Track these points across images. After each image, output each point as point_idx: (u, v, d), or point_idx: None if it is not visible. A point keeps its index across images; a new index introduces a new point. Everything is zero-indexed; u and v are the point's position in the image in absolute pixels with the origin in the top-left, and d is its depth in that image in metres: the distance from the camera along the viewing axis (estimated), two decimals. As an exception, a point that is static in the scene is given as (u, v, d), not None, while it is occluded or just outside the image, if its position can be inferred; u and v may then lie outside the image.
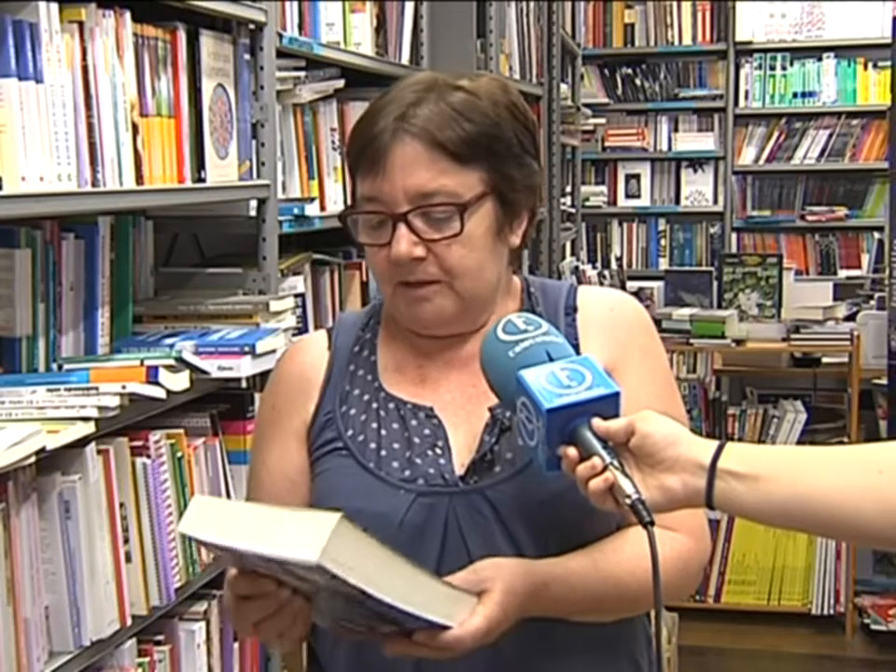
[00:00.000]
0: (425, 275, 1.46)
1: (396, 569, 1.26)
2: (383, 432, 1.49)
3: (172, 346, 2.14)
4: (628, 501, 1.23)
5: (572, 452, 1.27)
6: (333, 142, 2.94)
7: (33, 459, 1.65)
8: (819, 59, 6.89)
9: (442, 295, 1.47)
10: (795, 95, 6.95)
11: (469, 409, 1.50)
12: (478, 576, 1.35)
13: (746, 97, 7.00)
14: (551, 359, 1.31)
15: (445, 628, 1.29)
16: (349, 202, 1.56)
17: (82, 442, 1.81)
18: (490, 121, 1.46)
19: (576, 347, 1.49)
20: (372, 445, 1.49)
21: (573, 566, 1.41)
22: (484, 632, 1.32)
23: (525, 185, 1.50)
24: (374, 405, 1.52)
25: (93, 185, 1.89)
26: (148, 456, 2.01)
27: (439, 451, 1.47)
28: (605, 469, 1.26)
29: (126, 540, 1.96)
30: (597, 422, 1.27)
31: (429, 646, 1.30)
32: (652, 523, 1.23)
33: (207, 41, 2.27)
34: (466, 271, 1.46)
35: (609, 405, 1.29)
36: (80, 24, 1.87)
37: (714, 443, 1.28)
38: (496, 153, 1.46)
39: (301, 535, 1.20)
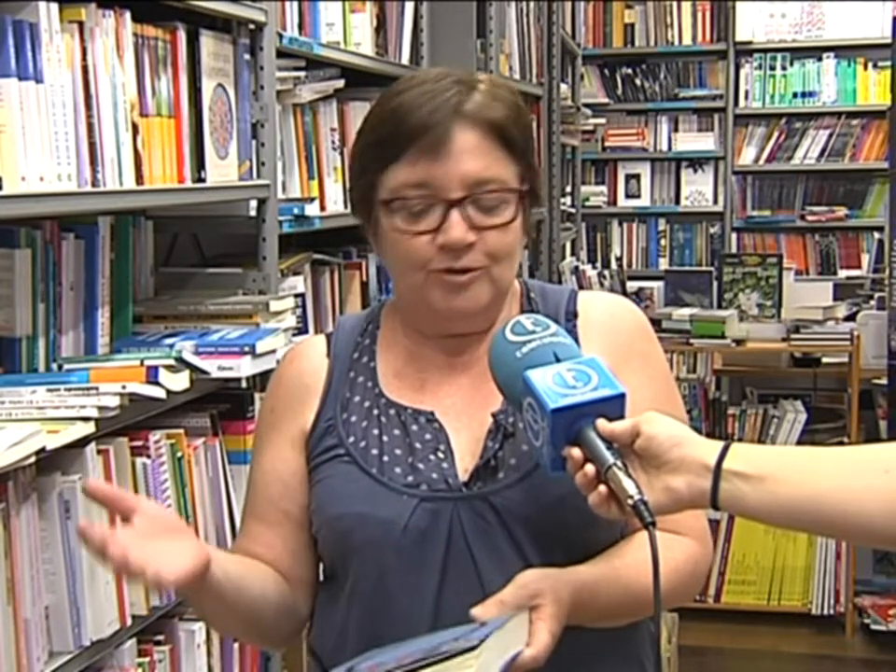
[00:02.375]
0: (471, 262, 1.46)
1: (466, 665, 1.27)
2: (384, 438, 1.49)
3: (172, 346, 2.14)
4: (630, 502, 1.23)
5: (577, 452, 1.27)
6: (333, 142, 2.94)
7: (33, 459, 1.65)
8: (819, 59, 6.89)
9: (481, 282, 1.47)
10: (795, 95, 6.95)
11: (471, 413, 1.49)
12: (528, 591, 1.34)
13: (746, 97, 7.00)
14: (558, 360, 1.31)
15: (518, 655, 1.29)
16: (365, 192, 1.51)
17: (82, 442, 1.81)
18: (524, 113, 1.52)
19: None
20: (374, 451, 1.48)
21: (599, 572, 1.41)
22: (551, 644, 1.32)
23: (539, 179, 1.55)
24: (375, 411, 1.51)
25: (93, 185, 1.89)
26: (148, 456, 2.01)
27: (441, 455, 1.47)
28: (601, 479, 1.26)
29: (126, 540, 1.95)
30: (602, 423, 1.28)
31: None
32: (654, 524, 1.23)
33: (207, 41, 2.27)
34: (506, 257, 1.48)
35: (614, 406, 1.29)
36: (80, 24, 1.87)
37: (719, 444, 1.28)
38: (528, 145, 1.51)
39: None
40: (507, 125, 1.47)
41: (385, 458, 1.47)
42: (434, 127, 1.43)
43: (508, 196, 1.47)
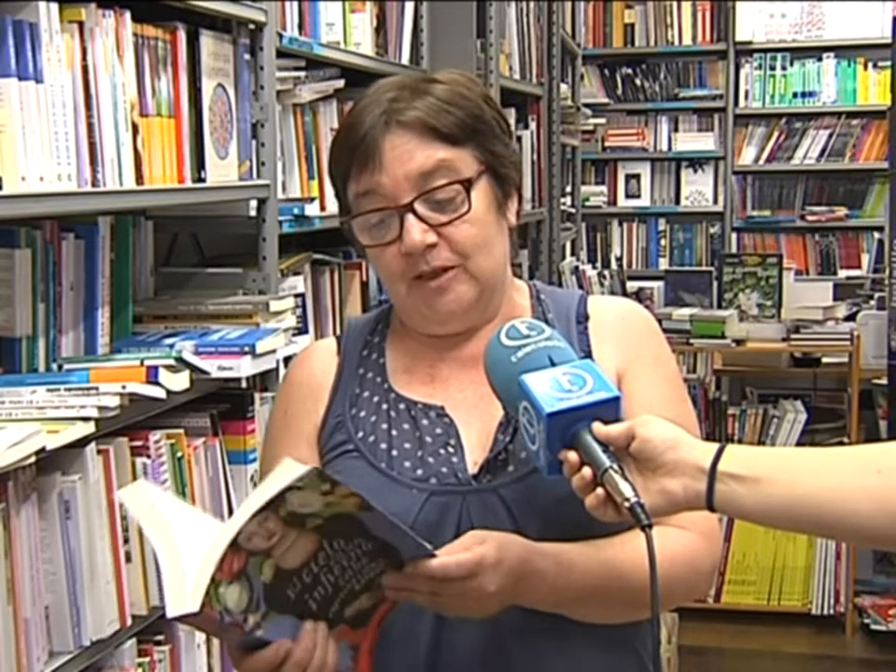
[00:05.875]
0: (440, 261, 1.46)
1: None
2: (393, 433, 1.50)
3: (172, 346, 2.14)
4: (627, 505, 1.24)
5: (573, 456, 1.28)
6: (333, 142, 2.94)
7: (33, 459, 1.65)
8: (819, 59, 6.89)
9: (459, 281, 1.48)
10: (795, 95, 6.95)
11: (482, 407, 1.50)
12: (471, 536, 1.35)
13: (746, 97, 7.00)
14: (553, 364, 1.31)
15: (431, 556, 1.31)
16: (342, 213, 1.55)
17: (82, 442, 1.81)
18: (472, 104, 1.50)
19: (588, 354, 1.50)
20: (383, 446, 1.49)
21: (571, 545, 1.41)
22: (473, 564, 1.31)
23: (511, 161, 1.54)
24: (384, 406, 1.52)
25: (93, 185, 1.89)
26: (148, 456, 2.01)
27: (451, 449, 1.47)
28: (597, 482, 1.26)
29: (126, 540, 1.95)
30: (598, 426, 1.28)
31: (420, 575, 1.31)
32: (650, 526, 1.23)
33: (207, 41, 2.27)
34: (478, 248, 1.48)
35: (609, 409, 1.29)
36: (80, 24, 1.87)
37: (714, 446, 1.29)
38: (483, 133, 1.50)
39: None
40: (444, 127, 1.46)
41: (395, 453, 1.48)
42: (363, 140, 1.45)
43: (459, 188, 1.46)
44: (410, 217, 1.45)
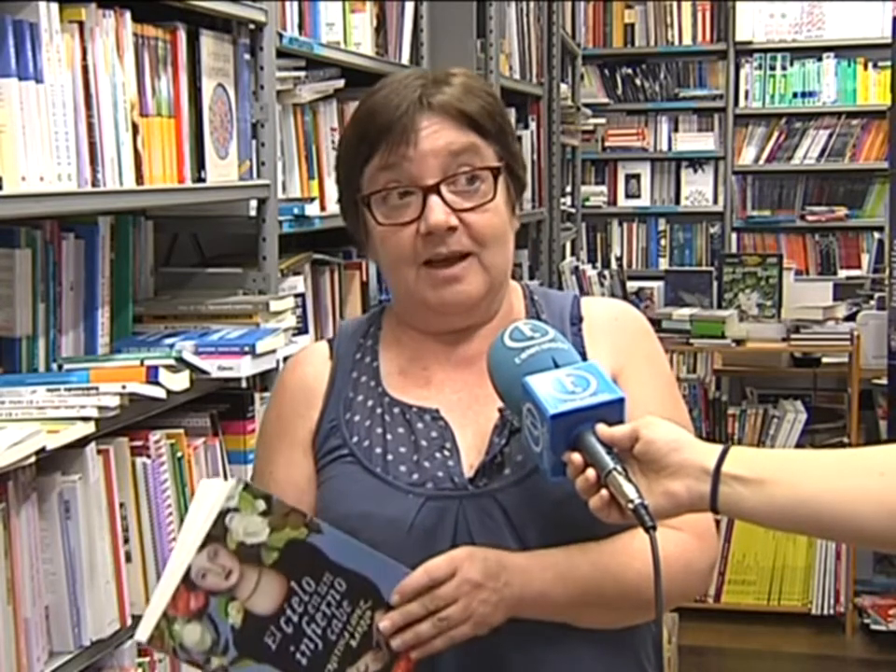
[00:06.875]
0: (458, 246, 1.46)
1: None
2: (388, 437, 1.49)
3: (172, 346, 2.13)
4: (630, 506, 1.24)
5: (577, 457, 1.28)
6: (333, 142, 2.94)
7: (33, 459, 1.65)
8: (819, 59, 6.89)
9: (472, 271, 1.48)
10: (795, 95, 6.95)
11: (477, 409, 1.50)
12: (449, 555, 1.37)
13: (746, 97, 7.00)
14: (556, 366, 1.32)
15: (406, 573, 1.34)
16: (350, 197, 1.54)
17: (82, 442, 1.81)
18: (493, 98, 1.52)
19: (583, 355, 1.49)
20: (378, 450, 1.48)
21: (553, 549, 1.42)
22: (446, 562, 1.34)
23: (522, 162, 1.56)
24: (379, 410, 1.51)
25: (93, 185, 1.89)
26: (148, 456, 2.01)
27: (447, 453, 1.47)
28: (601, 484, 1.26)
29: (126, 540, 1.95)
30: (602, 428, 1.28)
31: (409, 596, 1.33)
32: (654, 528, 1.24)
33: (207, 41, 2.27)
34: (495, 239, 1.48)
35: (613, 411, 1.29)
36: (80, 24, 1.87)
37: (718, 448, 1.29)
38: (503, 129, 1.52)
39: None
40: (474, 112, 1.48)
41: (390, 457, 1.47)
42: (400, 118, 1.45)
43: (484, 174, 1.47)
44: (433, 198, 1.45)
